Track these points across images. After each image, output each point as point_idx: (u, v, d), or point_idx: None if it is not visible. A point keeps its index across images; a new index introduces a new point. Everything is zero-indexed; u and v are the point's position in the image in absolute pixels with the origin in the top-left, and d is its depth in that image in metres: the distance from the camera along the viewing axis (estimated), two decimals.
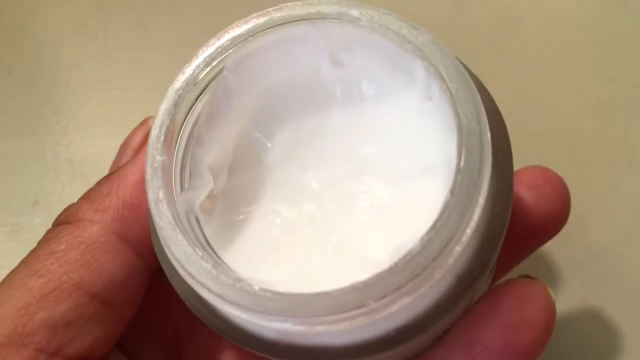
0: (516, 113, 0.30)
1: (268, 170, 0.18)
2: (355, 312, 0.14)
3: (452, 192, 0.15)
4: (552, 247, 0.28)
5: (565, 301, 0.28)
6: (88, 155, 0.32)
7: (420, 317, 0.15)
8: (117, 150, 0.31)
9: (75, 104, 0.34)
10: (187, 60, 0.18)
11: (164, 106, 0.17)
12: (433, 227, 0.14)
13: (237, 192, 0.18)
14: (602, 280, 0.28)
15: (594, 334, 0.27)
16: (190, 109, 0.17)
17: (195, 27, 0.35)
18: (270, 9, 0.17)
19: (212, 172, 0.17)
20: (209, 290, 0.15)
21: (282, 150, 0.18)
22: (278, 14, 0.17)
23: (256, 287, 0.14)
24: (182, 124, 0.17)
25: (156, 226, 0.16)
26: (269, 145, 0.19)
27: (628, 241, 0.29)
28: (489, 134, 0.15)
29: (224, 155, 0.18)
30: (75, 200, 0.27)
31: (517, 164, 0.17)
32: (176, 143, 0.17)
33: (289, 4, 0.17)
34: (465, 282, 0.16)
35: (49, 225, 0.27)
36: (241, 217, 0.18)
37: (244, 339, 0.16)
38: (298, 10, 0.17)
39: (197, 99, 0.17)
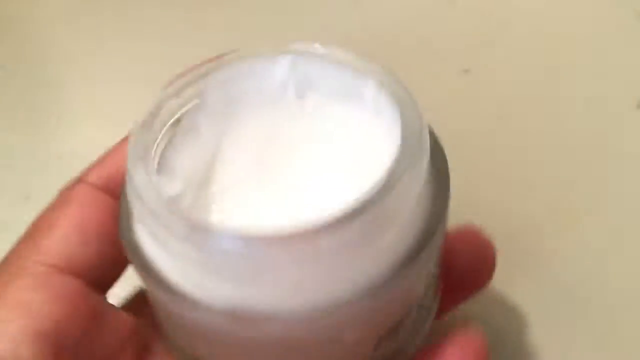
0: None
1: (231, 187, 0.20)
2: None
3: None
4: None
5: None
6: (79, 150, 0.33)
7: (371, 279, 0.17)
8: (108, 145, 0.32)
9: (67, 99, 0.35)
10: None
11: (148, 110, 0.20)
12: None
13: (200, 207, 0.20)
14: None
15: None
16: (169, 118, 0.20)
17: (187, 22, 0.36)
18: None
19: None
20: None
21: (246, 169, 0.20)
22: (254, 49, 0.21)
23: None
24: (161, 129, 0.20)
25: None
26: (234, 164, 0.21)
27: None
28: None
29: (192, 166, 0.20)
30: None
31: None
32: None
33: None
34: (419, 243, 0.17)
35: None
36: None
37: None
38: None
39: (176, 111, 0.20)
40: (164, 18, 0.37)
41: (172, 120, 0.20)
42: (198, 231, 0.16)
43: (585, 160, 0.31)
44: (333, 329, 0.17)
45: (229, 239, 0.16)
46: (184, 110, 0.20)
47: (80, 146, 0.33)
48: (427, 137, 0.18)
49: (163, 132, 0.20)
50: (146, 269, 0.18)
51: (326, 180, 0.20)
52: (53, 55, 0.38)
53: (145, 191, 0.17)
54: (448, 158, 0.20)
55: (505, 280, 0.25)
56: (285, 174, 0.20)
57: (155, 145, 0.19)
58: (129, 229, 0.19)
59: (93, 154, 0.32)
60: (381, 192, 0.16)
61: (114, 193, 0.21)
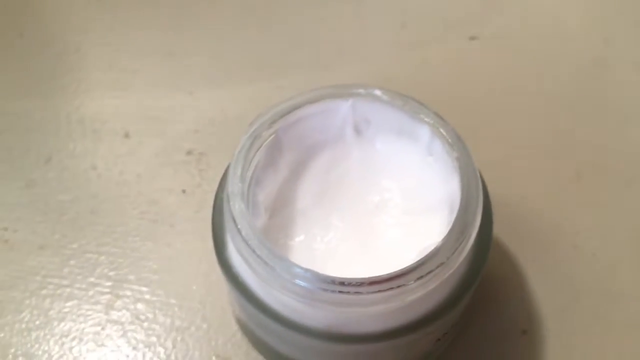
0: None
1: (301, 212, 0.23)
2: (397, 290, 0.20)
3: (460, 209, 0.21)
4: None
5: None
6: (98, 115, 0.33)
7: (437, 306, 0.22)
8: (125, 110, 0.33)
9: (85, 66, 0.35)
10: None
11: (239, 148, 0.22)
12: (450, 231, 0.20)
13: (275, 229, 0.23)
14: None
15: None
16: (254, 156, 0.23)
17: None
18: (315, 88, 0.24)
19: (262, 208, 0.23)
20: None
21: (312, 196, 0.24)
22: (322, 91, 0.24)
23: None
24: (249, 165, 0.22)
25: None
26: (303, 192, 0.24)
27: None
28: (479, 176, 0.22)
29: (270, 196, 0.23)
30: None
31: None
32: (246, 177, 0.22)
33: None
34: (467, 281, 0.22)
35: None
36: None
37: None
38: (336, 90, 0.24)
39: (257, 150, 0.23)
40: None
41: (255, 159, 0.22)
42: (302, 275, 0.20)
43: (592, 121, 0.33)
44: (408, 340, 0.22)
45: (333, 282, 0.20)
46: (263, 148, 0.23)
47: (98, 111, 0.34)
48: (481, 188, 0.22)
49: (251, 169, 0.22)
50: (245, 294, 0.22)
51: (382, 210, 0.24)
52: (72, 25, 0.36)
53: (248, 233, 0.20)
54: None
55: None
56: (347, 204, 0.24)
57: (247, 182, 0.22)
58: (225, 251, 0.22)
59: (110, 118, 0.33)
60: (450, 244, 0.20)
61: None
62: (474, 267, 0.22)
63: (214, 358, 0.27)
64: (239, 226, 0.21)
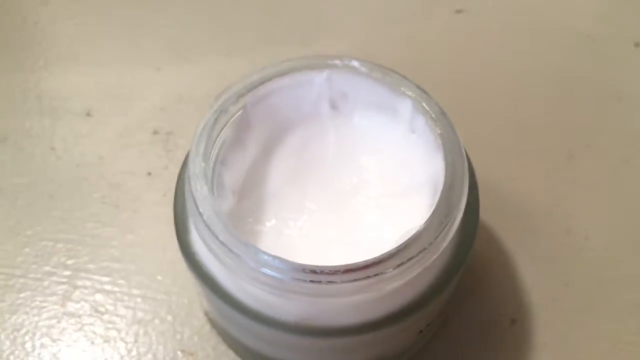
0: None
1: (272, 194, 0.21)
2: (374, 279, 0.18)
3: (444, 190, 0.19)
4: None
5: None
6: (57, 91, 0.31)
7: (419, 295, 0.20)
8: (86, 87, 0.30)
9: (45, 40, 0.32)
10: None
11: (202, 125, 0.20)
12: (434, 214, 0.18)
13: (244, 212, 0.21)
14: None
15: None
16: (219, 133, 0.20)
17: None
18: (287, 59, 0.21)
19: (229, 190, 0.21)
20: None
21: (285, 177, 0.22)
22: (294, 63, 0.21)
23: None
24: (214, 143, 0.20)
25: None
26: (274, 172, 0.22)
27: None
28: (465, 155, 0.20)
29: (238, 177, 0.21)
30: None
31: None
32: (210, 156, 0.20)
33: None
34: (452, 268, 0.20)
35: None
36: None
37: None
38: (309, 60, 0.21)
39: (223, 127, 0.21)
40: None
41: (221, 136, 0.20)
42: (270, 263, 0.18)
43: (585, 100, 0.31)
44: (386, 333, 0.20)
45: (303, 271, 0.18)
46: (229, 125, 0.20)
47: (57, 87, 0.31)
48: (467, 167, 0.20)
49: (216, 148, 0.20)
50: (209, 284, 0.19)
51: (361, 192, 0.22)
52: None
53: (211, 217, 0.18)
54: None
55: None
56: (322, 185, 0.22)
57: (212, 162, 0.20)
58: (187, 237, 0.20)
59: (70, 95, 0.31)
60: (433, 228, 0.18)
61: None
62: (459, 253, 0.21)
63: (179, 353, 0.25)
64: (200, 209, 0.19)
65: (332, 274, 0.18)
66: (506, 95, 0.32)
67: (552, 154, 0.30)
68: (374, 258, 0.18)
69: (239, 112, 0.21)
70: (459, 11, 0.35)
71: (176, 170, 0.27)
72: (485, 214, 0.27)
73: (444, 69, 0.33)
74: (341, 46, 0.33)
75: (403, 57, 0.32)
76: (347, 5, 0.35)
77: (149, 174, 0.29)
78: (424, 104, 0.21)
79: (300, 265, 0.18)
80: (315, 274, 0.18)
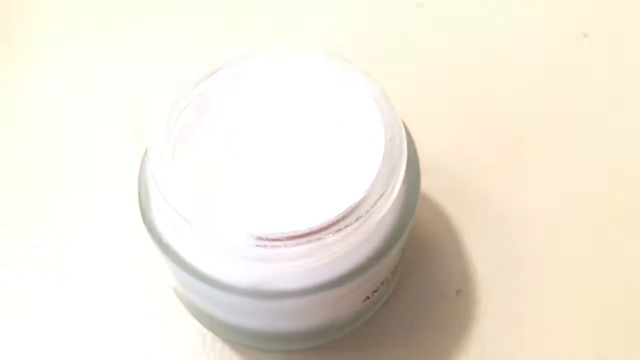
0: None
1: (226, 163, 0.23)
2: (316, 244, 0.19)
3: (383, 162, 0.21)
4: None
5: None
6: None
7: (361, 261, 0.22)
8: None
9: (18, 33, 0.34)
10: None
11: (164, 107, 0.22)
12: (372, 184, 0.20)
13: (198, 183, 0.22)
14: None
15: None
16: (180, 115, 0.22)
17: None
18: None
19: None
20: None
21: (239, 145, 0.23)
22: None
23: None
24: (174, 124, 0.22)
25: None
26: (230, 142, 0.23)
27: None
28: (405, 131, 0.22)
29: (196, 149, 0.23)
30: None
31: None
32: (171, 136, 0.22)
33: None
34: (394, 236, 0.22)
35: None
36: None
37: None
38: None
39: (184, 109, 0.22)
40: None
41: (182, 121, 0.22)
42: (225, 230, 0.20)
43: (536, 84, 0.33)
44: (332, 297, 0.22)
45: (251, 237, 0.20)
46: (190, 108, 0.22)
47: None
48: (405, 142, 0.22)
49: (176, 133, 0.22)
50: (168, 252, 0.21)
51: (311, 163, 0.23)
52: None
53: (168, 189, 0.20)
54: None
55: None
56: (280, 166, 0.23)
57: (172, 144, 0.21)
58: (148, 212, 0.22)
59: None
60: (371, 197, 0.20)
61: None
62: (400, 222, 0.22)
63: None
64: (158, 183, 0.21)
65: (277, 239, 0.20)
66: (462, 84, 0.34)
67: (503, 136, 0.31)
68: (316, 225, 0.20)
69: (199, 96, 0.23)
70: (419, 5, 0.37)
71: None
72: (435, 190, 0.29)
73: (402, 59, 0.35)
74: (304, 38, 0.35)
75: (363, 49, 0.34)
76: (311, 2, 0.37)
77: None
78: (369, 86, 0.23)
79: (247, 232, 0.20)
80: (261, 240, 0.20)
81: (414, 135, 0.24)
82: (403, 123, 0.23)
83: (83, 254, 0.28)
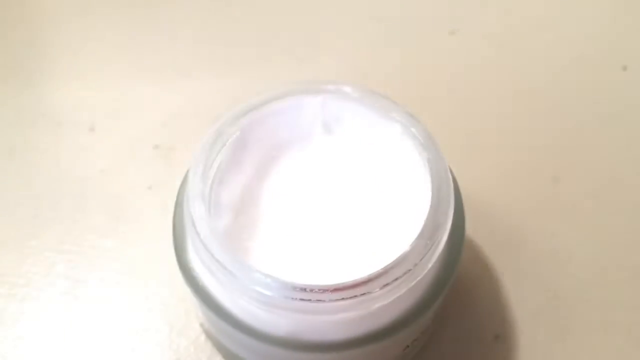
0: None
1: (267, 212, 0.22)
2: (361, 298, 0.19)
3: (430, 213, 0.20)
4: None
5: None
6: (62, 107, 0.32)
7: (404, 313, 0.21)
8: (90, 102, 0.31)
9: (50, 56, 0.33)
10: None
11: (201, 146, 0.21)
12: (419, 236, 0.19)
13: (240, 229, 0.22)
14: None
15: None
16: (217, 154, 0.22)
17: None
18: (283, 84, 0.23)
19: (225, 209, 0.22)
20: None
21: (279, 196, 0.23)
22: (290, 88, 0.22)
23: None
24: (212, 164, 0.21)
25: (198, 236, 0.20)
26: (269, 192, 0.23)
27: None
28: (451, 178, 0.21)
29: (234, 196, 0.22)
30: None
31: None
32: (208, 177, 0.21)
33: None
34: (437, 287, 0.21)
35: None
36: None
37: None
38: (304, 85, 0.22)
39: (221, 149, 0.22)
40: None
41: (219, 157, 0.21)
42: (262, 281, 0.19)
43: (573, 122, 0.32)
44: (372, 349, 0.21)
45: (293, 289, 0.19)
46: (227, 146, 0.21)
47: (63, 103, 0.32)
48: (452, 191, 0.21)
49: (214, 169, 0.21)
50: (204, 298, 0.21)
51: (351, 212, 0.23)
52: (38, 13, 0.35)
53: (211, 242, 0.20)
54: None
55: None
56: (314, 204, 0.23)
57: (210, 182, 0.21)
58: (184, 253, 0.21)
59: (74, 110, 0.32)
60: (418, 250, 0.19)
61: None
62: (444, 272, 0.22)
63: None
64: (197, 229, 0.20)
65: (321, 292, 0.19)
66: (497, 117, 0.33)
67: (539, 175, 0.31)
68: (361, 278, 0.19)
69: (236, 134, 0.22)
70: (452, 33, 0.36)
71: (176, 184, 0.29)
72: (472, 233, 0.28)
73: (436, 90, 0.34)
74: (337, 67, 0.34)
75: (397, 79, 0.33)
76: (343, 27, 0.36)
77: (150, 187, 0.30)
78: (412, 129, 0.22)
79: (290, 283, 0.19)
80: (305, 292, 0.19)
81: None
82: (450, 168, 0.22)
83: (107, 282, 0.27)
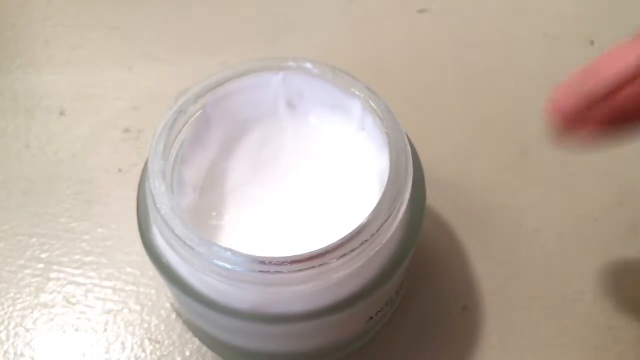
0: None
1: (232, 190, 0.23)
2: (320, 269, 0.19)
3: (388, 185, 0.20)
4: None
5: None
6: (32, 92, 0.32)
7: (365, 284, 0.21)
8: (61, 87, 0.31)
9: (21, 42, 0.33)
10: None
11: (162, 125, 0.21)
12: (377, 207, 0.20)
13: (206, 208, 0.22)
14: None
15: None
16: (179, 133, 0.22)
17: None
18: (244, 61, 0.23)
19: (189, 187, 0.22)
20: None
21: (244, 173, 0.23)
22: (251, 65, 0.22)
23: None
24: (173, 143, 0.21)
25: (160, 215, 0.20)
26: (235, 170, 0.23)
27: None
28: (410, 151, 0.21)
29: (199, 174, 0.22)
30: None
31: None
32: (170, 155, 0.21)
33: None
34: (398, 259, 0.21)
35: None
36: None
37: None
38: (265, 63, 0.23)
39: (182, 127, 0.22)
40: None
41: (182, 136, 0.21)
42: (223, 255, 0.19)
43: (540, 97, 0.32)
44: (336, 320, 0.21)
45: (254, 262, 0.19)
46: (189, 125, 0.22)
47: (33, 88, 0.32)
48: (411, 163, 0.21)
49: (176, 147, 0.21)
50: (169, 275, 0.21)
51: (315, 187, 0.23)
52: (4, 1, 0.35)
53: (172, 218, 0.20)
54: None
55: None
56: (280, 181, 0.23)
57: (172, 160, 0.21)
58: (148, 231, 0.22)
59: (46, 96, 0.32)
60: (376, 221, 0.20)
61: None
62: (405, 244, 0.22)
63: (146, 341, 0.26)
64: (158, 206, 0.20)
65: (280, 264, 0.19)
66: (464, 93, 0.33)
67: (507, 150, 0.31)
68: (319, 249, 0.19)
69: (199, 112, 0.22)
70: (421, 11, 0.36)
71: None
72: (440, 207, 0.29)
73: (405, 68, 0.34)
74: (307, 46, 0.34)
75: (367, 57, 0.34)
76: (313, 6, 0.36)
77: (120, 170, 0.30)
78: (372, 103, 0.22)
79: (250, 256, 0.19)
80: (264, 264, 0.19)
81: (418, 149, 0.23)
82: (409, 140, 0.22)
83: (79, 264, 0.28)
